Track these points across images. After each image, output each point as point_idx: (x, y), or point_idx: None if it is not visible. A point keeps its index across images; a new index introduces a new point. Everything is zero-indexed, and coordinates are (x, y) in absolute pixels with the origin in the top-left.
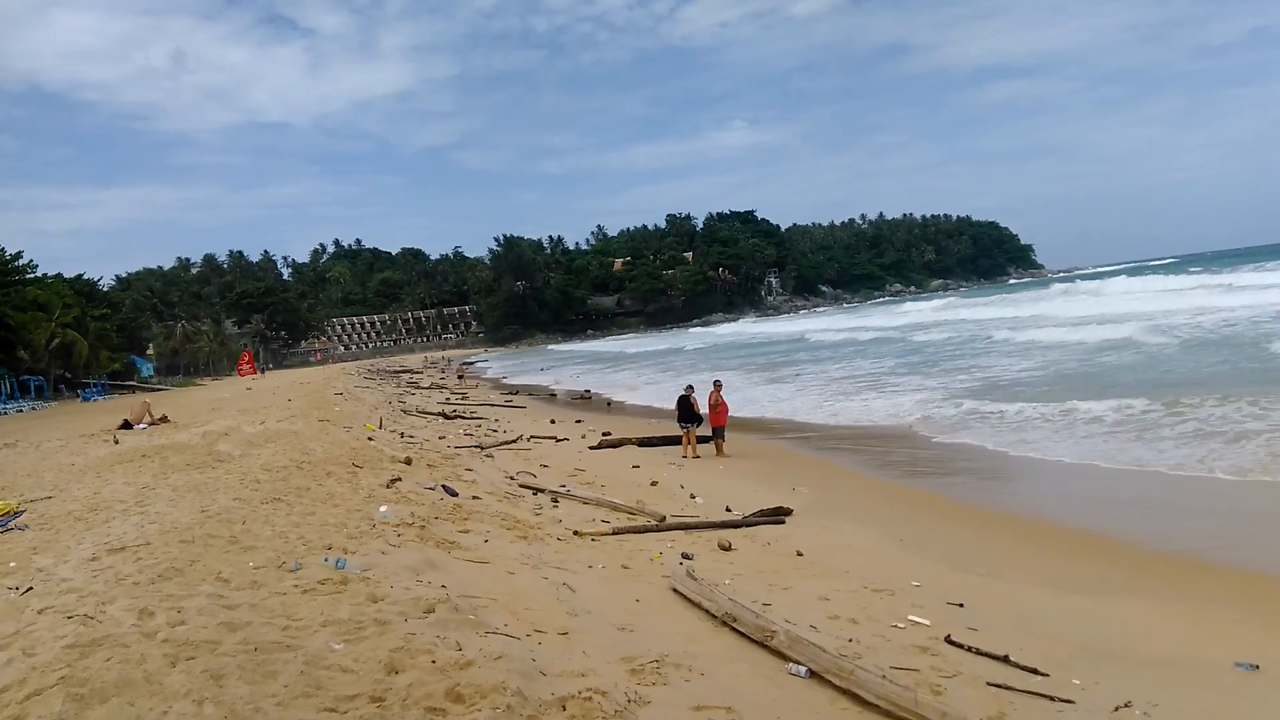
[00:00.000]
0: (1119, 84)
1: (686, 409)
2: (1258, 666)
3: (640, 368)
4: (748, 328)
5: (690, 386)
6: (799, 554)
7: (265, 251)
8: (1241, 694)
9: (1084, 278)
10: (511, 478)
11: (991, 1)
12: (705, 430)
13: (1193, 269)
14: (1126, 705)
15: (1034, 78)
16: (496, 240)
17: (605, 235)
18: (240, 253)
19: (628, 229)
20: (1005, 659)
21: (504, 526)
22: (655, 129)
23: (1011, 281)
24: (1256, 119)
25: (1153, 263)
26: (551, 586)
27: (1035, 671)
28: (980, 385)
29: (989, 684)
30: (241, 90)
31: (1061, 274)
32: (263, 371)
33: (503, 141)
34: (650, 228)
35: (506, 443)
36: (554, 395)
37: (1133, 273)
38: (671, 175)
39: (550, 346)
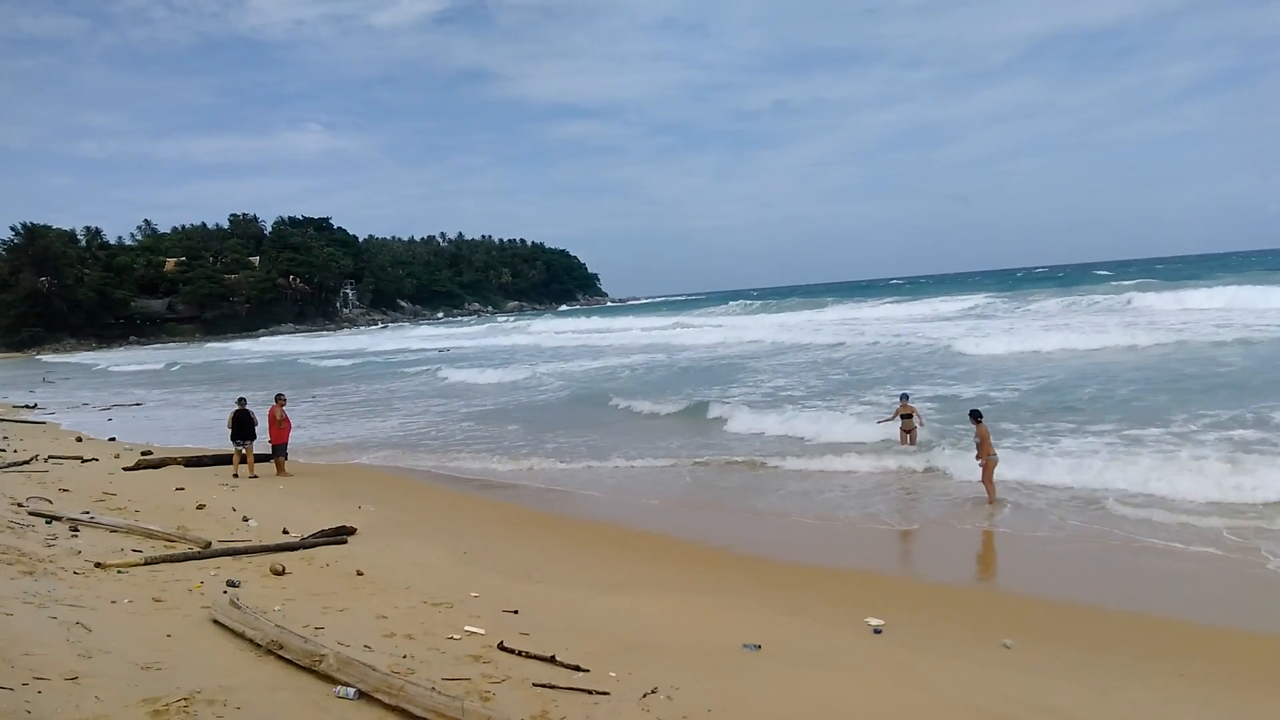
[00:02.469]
0: (673, 134)
1: (241, 424)
2: (760, 646)
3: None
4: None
5: (242, 399)
6: (359, 573)
7: None
8: (747, 671)
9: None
10: (20, 505)
11: (566, 44)
12: (266, 449)
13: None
14: (654, 691)
15: (602, 120)
16: (15, 229)
17: (156, 231)
18: None
19: (183, 226)
20: (552, 659)
21: (3, 562)
22: (219, 120)
23: (577, 306)
24: (778, 177)
25: (685, 296)
26: (61, 627)
27: (577, 668)
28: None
29: (535, 685)
30: None
31: (625, 301)
32: None
33: (29, 115)
34: (211, 227)
35: (15, 464)
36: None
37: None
38: (237, 172)
39: (76, 357)
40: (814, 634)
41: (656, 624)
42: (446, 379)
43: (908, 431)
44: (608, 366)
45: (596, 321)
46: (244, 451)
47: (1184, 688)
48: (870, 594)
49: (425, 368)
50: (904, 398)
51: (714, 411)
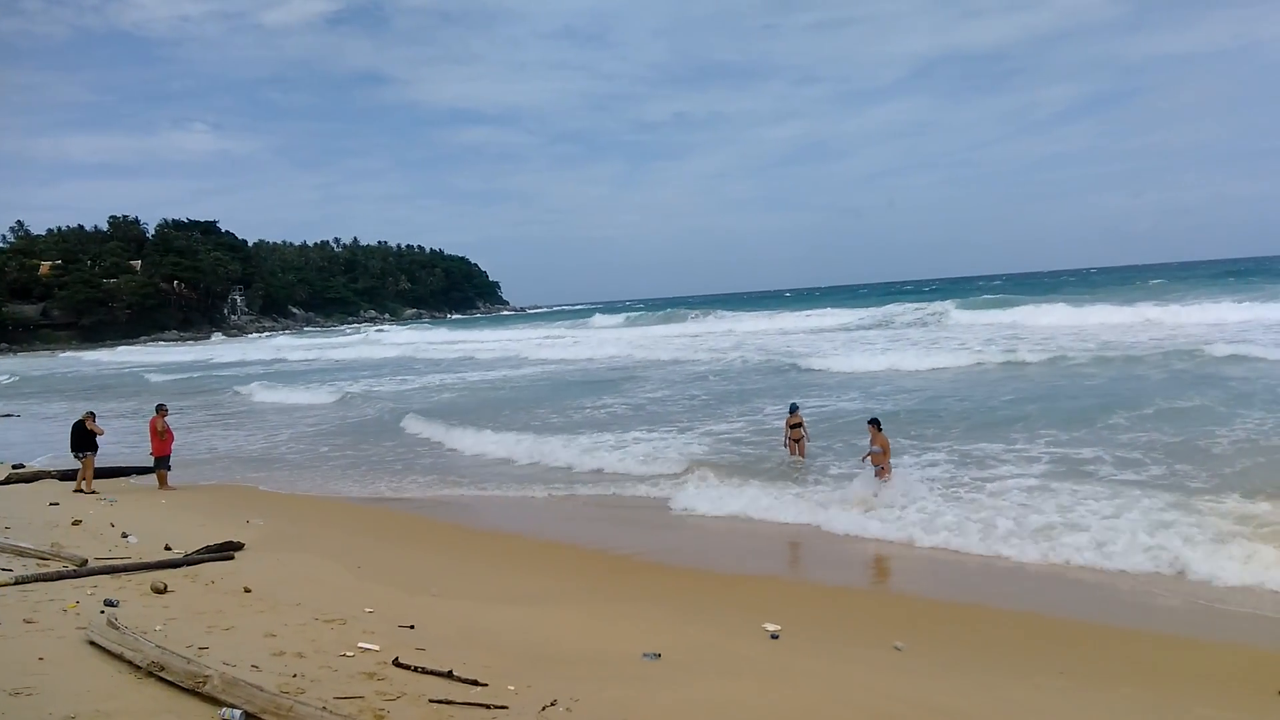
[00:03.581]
0: (574, 143)
1: (78, 435)
2: (660, 655)
3: None
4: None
5: (91, 413)
6: (247, 590)
7: None
8: (647, 680)
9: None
10: None
11: (464, 49)
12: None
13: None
14: (553, 704)
15: (501, 126)
16: None
17: (29, 233)
18: None
19: (59, 228)
20: (449, 674)
21: None
22: (99, 119)
23: (479, 315)
24: (679, 188)
25: (586, 305)
26: None
27: (475, 683)
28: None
29: (432, 701)
30: None
31: (525, 309)
32: None
33: None
34: (90, 229)
35: None
36: None
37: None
38: (118, 173)
39: None
40: (713, 641)
41: (557, 635)
42: (250, 398)
43: (795, 441)
44: (427, 386)
45: (468, 333)
46: (84, 463)
47: (1064, 685)
48: (769, 599)
49: (231, 387)
50: (793, 408)
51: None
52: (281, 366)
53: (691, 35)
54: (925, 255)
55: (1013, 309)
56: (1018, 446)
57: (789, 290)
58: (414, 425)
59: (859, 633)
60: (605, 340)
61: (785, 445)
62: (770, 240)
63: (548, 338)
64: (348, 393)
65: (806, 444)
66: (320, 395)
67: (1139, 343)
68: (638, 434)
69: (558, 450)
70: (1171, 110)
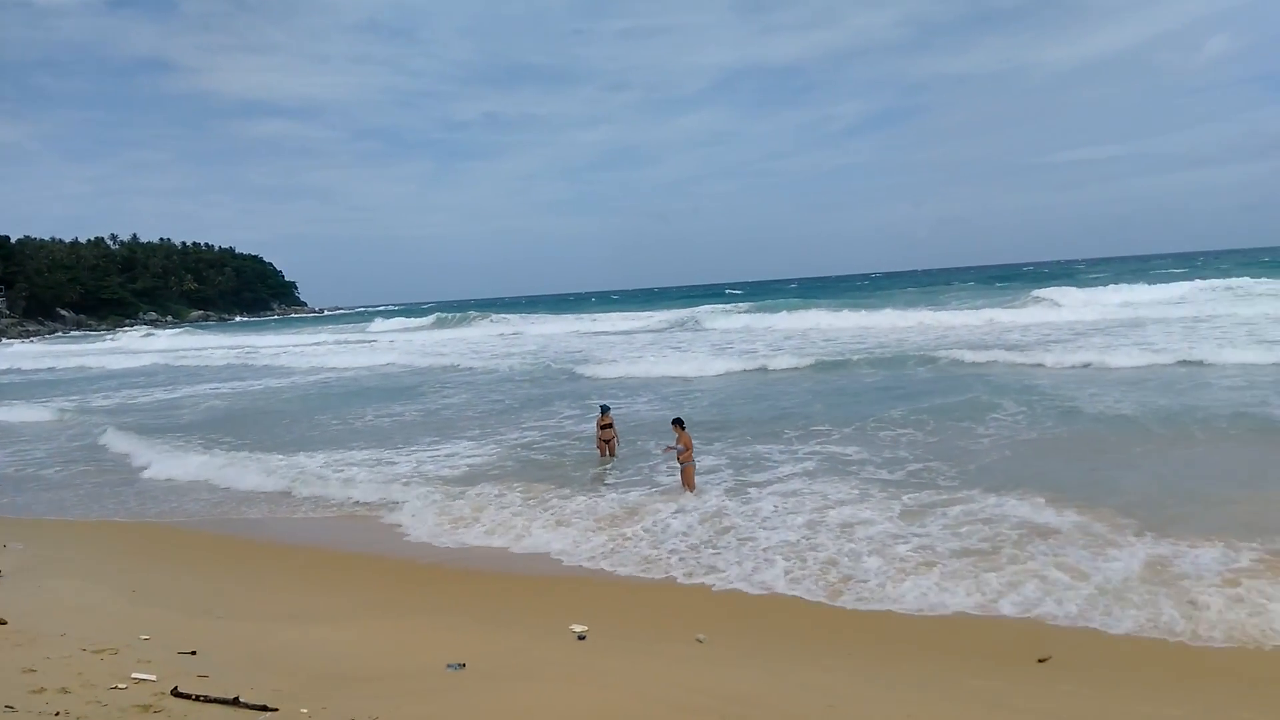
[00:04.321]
0: (378, 139)
1: None
2: (464, 665)
3: None
4: None
5: None
6: (2, 622)
7: None
8: (451, 692)
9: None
10: None
11: (260, 38)
12: None
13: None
14: None
15: (300, 120)
16: None
17: None
18: None
19: None
20: (235, 701)
21: None
22: None
23: (275, 317)
24: (490, 189)
25: (391, 306)
26: None
27: (264, 708)
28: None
29: None
30: None
31: (323, 311)
32: None
33: None
34: None
35: None
36: None
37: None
38: None
39: None
40: (520, 646)
41: (354, 652)
42: None
43: (606, 442)
44: (167, 401)
45: (247, 338)
46: None
47: (851, 665)
48: (576, 601)
49: None
50: (604, 409)
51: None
52: (13, 378)
53: (501, 36)
54: (728, 259)
55: (809, 312)
56: (790, 446)
57: (594, 293)
58: (118, 443)
59: (662, 628)
60: (389, 346)
61: (597, 447)
62: (581, 243)
63: (319, 344)
64: (65, 410)
65: (617, 444)
66: (39, 413)
67: (910, 343)
68: (386, 453)
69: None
70: (948, 127)
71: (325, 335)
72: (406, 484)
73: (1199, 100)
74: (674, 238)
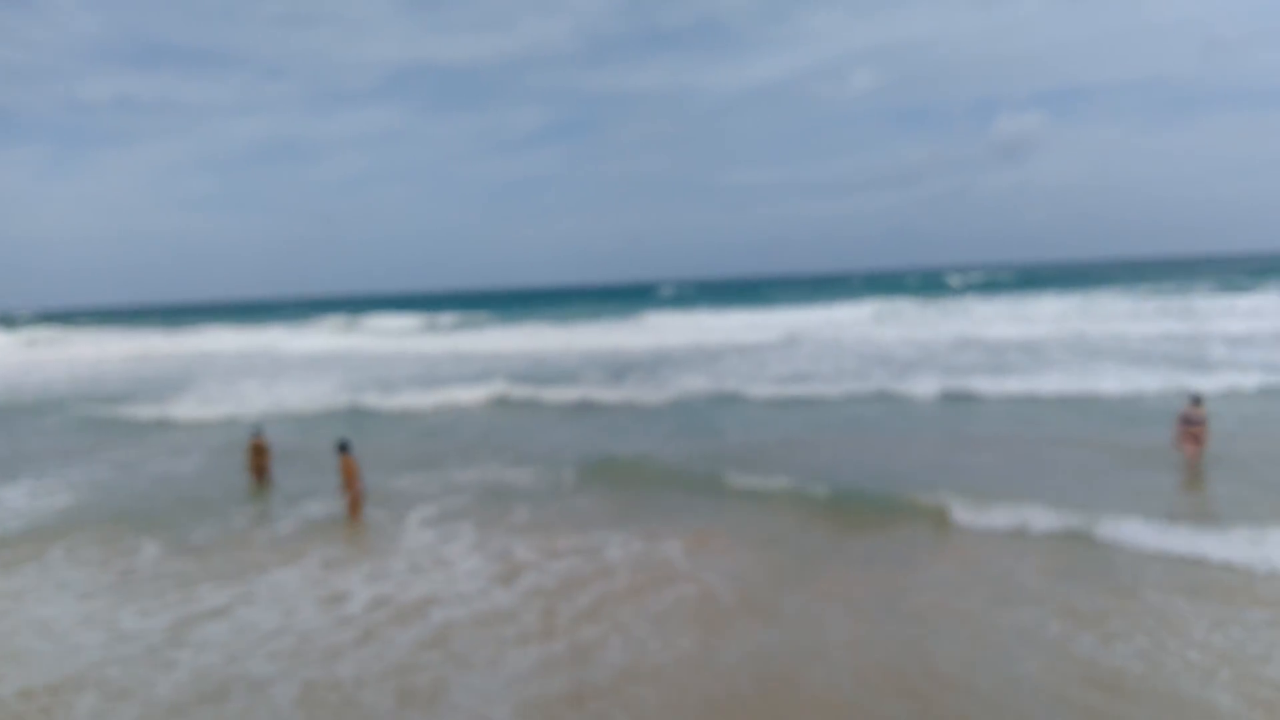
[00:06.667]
0: None
1: None
2: None
3: None
4: None
5: None
6: None
7: None
8: None
9: None
10: None
11: None
12: None
13: None
14: None
15: None
16: None
17: None
18: None
19: None
20: None
21: None
22: None
23: None
24: (127, 182)
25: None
26: None
27: None
28: None
29: None
30: None
31: None
32: None
33: None
34: None
35: None
36: None
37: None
38: None
39: None
40: None
41: None
42: None
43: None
44: None
45: None
46: None
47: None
48: None
49: None
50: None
51: None
52: None
53: (134, 9)
54: (409, 267)
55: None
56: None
57: (255, 303)
58: None
59: None
60: None
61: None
62: (238, 245)
63: None
64: None
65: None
66: None
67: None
68: None
69: None
70: (626, 142)
71: None
72: None
73: (848, 130)
74: (343, 242)
